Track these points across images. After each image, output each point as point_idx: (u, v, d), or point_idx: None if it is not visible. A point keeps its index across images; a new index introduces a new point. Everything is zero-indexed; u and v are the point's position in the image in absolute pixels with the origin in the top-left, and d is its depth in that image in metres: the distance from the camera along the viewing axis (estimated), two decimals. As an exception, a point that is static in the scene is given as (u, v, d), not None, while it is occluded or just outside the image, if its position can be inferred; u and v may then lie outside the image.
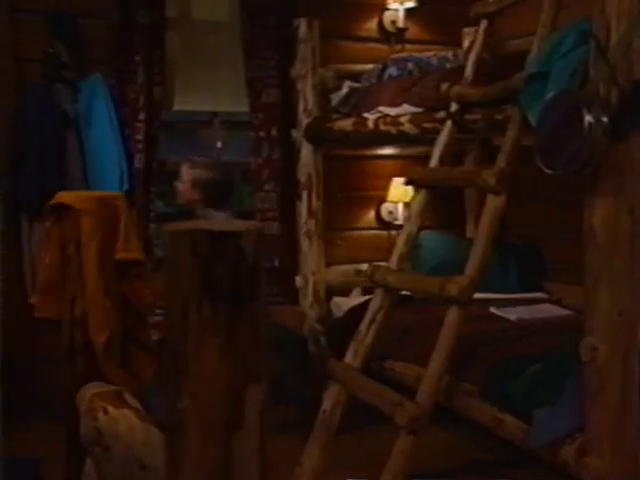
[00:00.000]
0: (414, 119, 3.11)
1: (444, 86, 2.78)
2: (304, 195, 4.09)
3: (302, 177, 4.07)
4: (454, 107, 2.75)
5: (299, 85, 4.03)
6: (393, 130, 3.27)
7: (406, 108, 3.16)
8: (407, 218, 2.75)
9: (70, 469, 1.78)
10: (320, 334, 3.89)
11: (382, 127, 3.34)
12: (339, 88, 4.14)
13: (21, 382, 3.18)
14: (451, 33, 4.57)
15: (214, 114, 4.25)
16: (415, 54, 3.96)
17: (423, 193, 2.73)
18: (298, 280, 3.99)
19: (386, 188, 4.51)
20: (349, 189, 4.51)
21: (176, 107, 4.04)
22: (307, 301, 3.96)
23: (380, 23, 4.52)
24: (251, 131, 4.10)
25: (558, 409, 2.24)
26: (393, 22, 4.51)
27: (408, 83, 3.28)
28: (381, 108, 3.34)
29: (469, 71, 2.75)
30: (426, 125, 3.04)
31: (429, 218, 4.58)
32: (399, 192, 4.51)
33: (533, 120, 2.21)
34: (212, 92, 4.13)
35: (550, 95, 2.07)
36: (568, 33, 2.15)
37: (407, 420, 2.20)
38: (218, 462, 0.85)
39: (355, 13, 4.47)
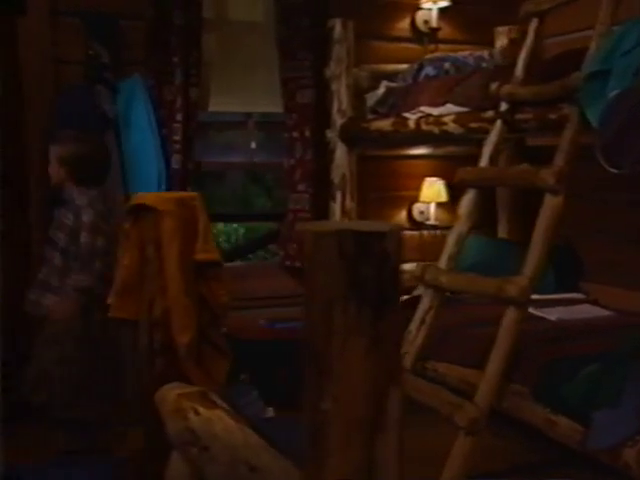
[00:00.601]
0: (459, 119, 3.10)
1: (494, 85, 2.77)
2: (338, 196, 4.09)
3: (336, 178, 4.08)
4: (504, 106, 2.74)
5: (333, 85, 4.05)
6: (436, 130, 3.26)
7: (450, 108, 3.15)
8: (457, 218, 2.74)
9: (151, 468, 1.77)
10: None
11: (424, 127, 3.34)
12: (374, 88, 4.15)
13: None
14: (483, 32, 4.56)
15: (248, 115, 4.24)
16: (452, 54, 3.95)
17: (473, 193, 2.72)
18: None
19: (418, 188, 4.51)
20: (381, 189, 4.50)
21: (211, 108, 4.04)
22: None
23: (413, 23, 4.51)
24: (285, 132, 4.10)
25: (619, 411, 2.22)
26: (426, 22, 4.50)
27: (451, 82, 3.27)
28: (423, 108, 3.33)
29: (520, 70, 2.74)
30: (472, 125, 3.03)
31: (452, 218, 4.67)
32: (431, 192, 4.51)
33: (593, 119, 2.20)
34: (247, 93, 4.12)
35: (613, 93, 2.06)
36: (630, 30, 2.14)
37: (467, 421, 2.20)
38: (360, 465, 0.84)
39: (388, 13, 4.46)
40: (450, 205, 4.55)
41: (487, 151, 2.76)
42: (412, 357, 2.66)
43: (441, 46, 4.47)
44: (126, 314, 2.17)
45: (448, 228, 4.46)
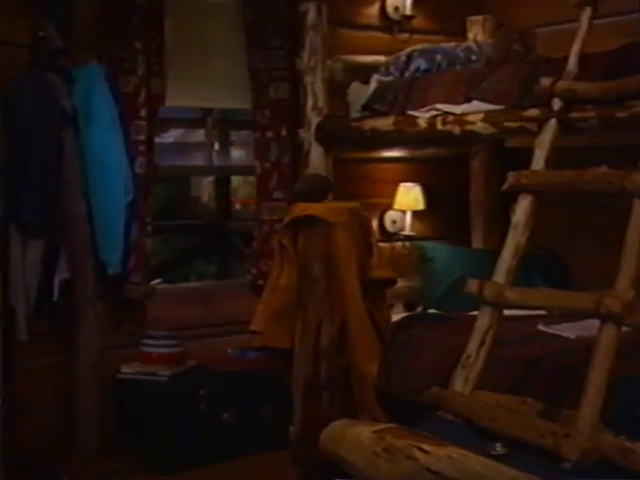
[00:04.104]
0: (490, 117, 3.13)
1: (546, 81, 2.80)
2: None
3: (312, 183, 4.00)
4: (558, 104, 2.78)
5: (307, 79, 3.97)
6: (456, 130, 3.27)
7: (478, 105, 3.17)
8: (514, 227, 2.75)
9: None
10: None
11: (440, 127, 3.33)
12: (349, 82, 4.13)
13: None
14: (456, 22, 4.67)
15: (209, 111, 4.10)
16: (443, 44, 3.99)
17: (530, 199, 2.74)
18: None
19: (392, 194, 4.52)
20: (350, 195, 4.43)
21: (168, 103, 3.87)
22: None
23: (382, 9, 4.52)
24: (255, 131, 4.01)
25: None
26: (397, 9, 4.53)
27: (476, 77, 3.29)
28: (439, 106, 3.33)
29: (573, 64, 2.79)
30: (508, 124, 3.06)
31: (426, 228, 4.76)
32: (407, 199, 4.53)
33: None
34: (207, 86, 4.00)
35: None
36: None
37: (579, 454, 2.20)
38: None
39: (355, -3, 4.45)
40: (428, 214, 4.62)
41: (542, 153, 2.77)
42: (473, 383, 2.63)
43: (415, 36, 4.51)
44: (281, 343, 2.01)
45: (425, 239, 4.60)
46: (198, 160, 4.09)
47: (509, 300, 2.63)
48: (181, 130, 5.65)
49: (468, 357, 2.68)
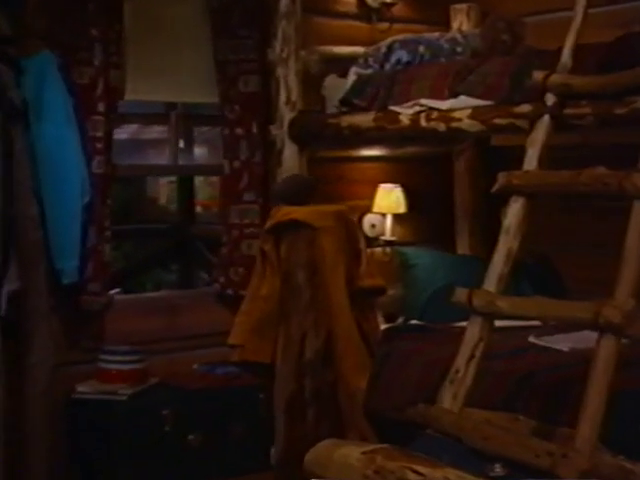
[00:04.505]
0: (477, 113, 3.19)
1: (538, 74, 2.86)
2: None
3: (284, 184, 4.03)
4: (551, 99, 2.84)
5: (279, 71, 4.01)
6: (442, 127, 3.33)
7: (465, 100, 3.24)
8: (505, 231, 2.80)
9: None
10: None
11: (424, 123, 3.39)
12: (324, 75, 4.18)
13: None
14: (439, 10, 4.74)
15: (173, 106, 4.12)
16: (426, 35, 4.05)
17: (523, 201, 2.79)
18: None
19: (371, 196, 4.56)
20: (326, 198, 4.48)
21: (128, 96, 3.88)
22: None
23: (360, -4, 4.58)
24: (223, 128, 4.04)
25: None
26: (375, -4, 4.59)
27: (462, 70, 3.35)
28: (424, 101, 3.38)
29: (567, 56, 2.85)
30: (497, 121, 3.12)
31: (408, 232, 4.81)
32: (387, 201, 4.57)
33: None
34: (171, 78, 4.00)
35: None
36: None
37: (578, 474, 2.25)
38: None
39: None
40: (410, 217, 4.67)
41: (534, 152, 2.83)
42: (462, 400, 2.68)
43: (395, 26, 4.57)
44: (262, 357, 2.04)
45: (407, 245, 4.65)
46: (154, 158, 4.09)
47: (501, 310, 2.67)
48: (135, 126, 5.65)
49: (457, 371, 2.72)
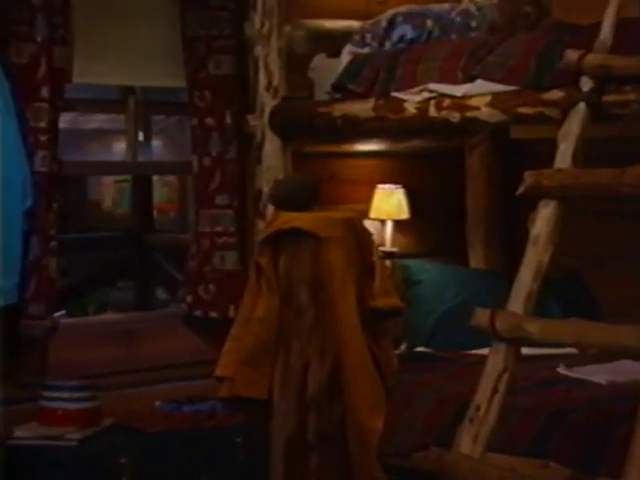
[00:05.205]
0: (498, 101, 3.16)
1: (571, 54, 2.83)
2: (270, 211, 4.02)
3: (266, 185, 4.01)
4: (588, 84, 2.82)
5: (258, 50, 4.00)
6: (455, 117, 3.30)
7: (483, 85, 3.22)
8: (534, 241, 2.77)
9: None
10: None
11: (433, 113, 3.37)
12: (312, 55, 4.16)
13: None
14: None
15: (131, 90, 4.10)
16: (434, 6, 4.02)
17: (554, 206, 2.76)
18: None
19: (367, 199, 4.53)
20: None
21: (77, 79, 3.87)
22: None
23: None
24: (191, 117, 4.02)
25: None
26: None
27: (479, 49, 3.32)
28: (433, 86, 3.36)
29: (607, 33, 2.82)
30: (523, 110, 3.09)
31: (411, 242, 4.79)
32: (387, 205, 4.55)
33: None
34: (127, 58, 4.01)
35: None
36: None
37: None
38: None
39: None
40: (414, 224, 4.64)
41: (567, 147, 2.79)
42: (483, 442, 2.65)
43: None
44: (257, 392, 2.01)
45: (411, 257, 4.62)
46: (98, 154, 4.05)
47: (530, 335, 2.64)
48: (72, 114, 5.59)
49: (477, 409, 2.69)
